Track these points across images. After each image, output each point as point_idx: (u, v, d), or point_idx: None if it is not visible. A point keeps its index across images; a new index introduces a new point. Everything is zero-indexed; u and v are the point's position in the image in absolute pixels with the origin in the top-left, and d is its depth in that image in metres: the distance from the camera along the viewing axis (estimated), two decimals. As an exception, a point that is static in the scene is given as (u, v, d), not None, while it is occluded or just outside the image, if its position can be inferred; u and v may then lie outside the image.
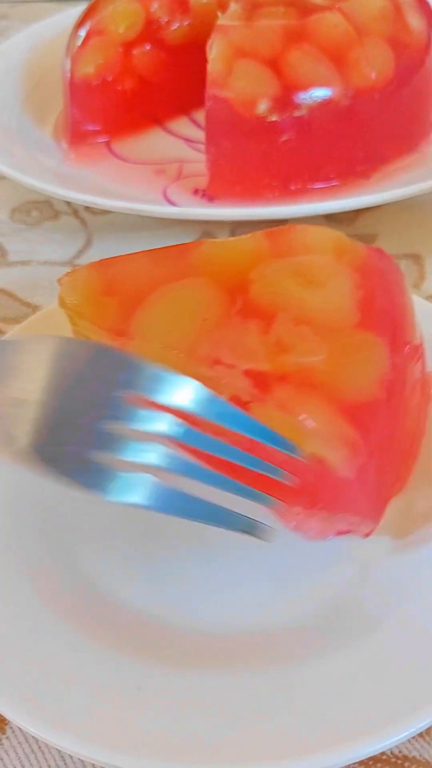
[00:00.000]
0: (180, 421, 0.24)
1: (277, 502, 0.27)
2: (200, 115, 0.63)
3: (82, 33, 0.57)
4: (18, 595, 0.29)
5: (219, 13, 0.52)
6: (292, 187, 0.52)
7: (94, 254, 0.51)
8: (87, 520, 0.33)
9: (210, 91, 0.50)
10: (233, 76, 0.49)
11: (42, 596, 0.29)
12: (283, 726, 0.25)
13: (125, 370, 0.25)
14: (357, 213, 0.53)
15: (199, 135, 0.61)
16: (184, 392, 0.24)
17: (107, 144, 0.60)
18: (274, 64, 0.49)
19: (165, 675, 0.26)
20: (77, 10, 0.73)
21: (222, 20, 0.51)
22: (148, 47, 0.58)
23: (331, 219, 0.52)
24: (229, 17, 0.51)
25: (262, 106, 0.49)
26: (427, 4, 0.56)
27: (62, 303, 0.34)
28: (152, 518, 0.31)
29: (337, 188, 0.52)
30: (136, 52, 0.58)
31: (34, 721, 0.25)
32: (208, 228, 0.52)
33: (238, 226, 0.52)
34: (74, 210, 0.56)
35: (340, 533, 0.30)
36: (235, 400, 0.28)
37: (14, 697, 0.25)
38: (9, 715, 0.25)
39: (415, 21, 0.54)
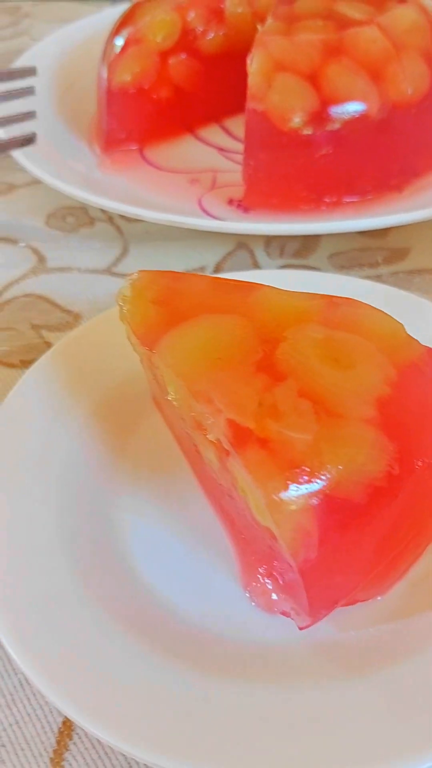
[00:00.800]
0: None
1: None
2: (232, 124, 0.64)
3: (120, 41, 0.57)
4: (88, 611, 0.30)
5: (258, 26, 0.52)
6: (327, 200, 0.52)
7: (131, 262, 0.52)
8: (145, 531, 0.34)
9: (250, 103, 0.50)
10: (273, 89, 0.50)
11: (111, 612, 0.30)
12: (350, 738, 0.26)
13: None
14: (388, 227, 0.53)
15: (232, 144, 0.62)
16: None
17: (140, 151, 0.61)
18: (312, 78, 0.50)
19: (230, 687, 0.27)
20: (106, 13, 0.74)
21: (262, 34, 0.51)
22: (183, 56, 0.59)
23: (364, 233, 0.53)
24: (269, 31, 0.51)
25: (300, 120, 0.50)
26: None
27: (117, 299, 0.34)
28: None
29: (370, 201, 0.53)
30: (172, 61, 0.59)
31: (103, 726, 0.26)
32: (242, 239, 0.53)
33: (272, 239, 0.53)
34: (109, 217, 0.57)
35: (284, 613, 0.30)
36: (217, 445, 0.29)
37: (86, 705, 0.26)
38: (82, 722, 0.26)
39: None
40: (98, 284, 0.50)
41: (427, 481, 0.29)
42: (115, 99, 0.58)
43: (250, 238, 0.53)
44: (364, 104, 0.50)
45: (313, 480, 0.26)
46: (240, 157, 0.59)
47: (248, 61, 0.51)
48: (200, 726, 0.26)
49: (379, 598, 0.32)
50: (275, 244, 0.53)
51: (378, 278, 0.48)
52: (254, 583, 0.32)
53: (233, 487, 0.29)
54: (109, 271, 0.52)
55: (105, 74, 0.58)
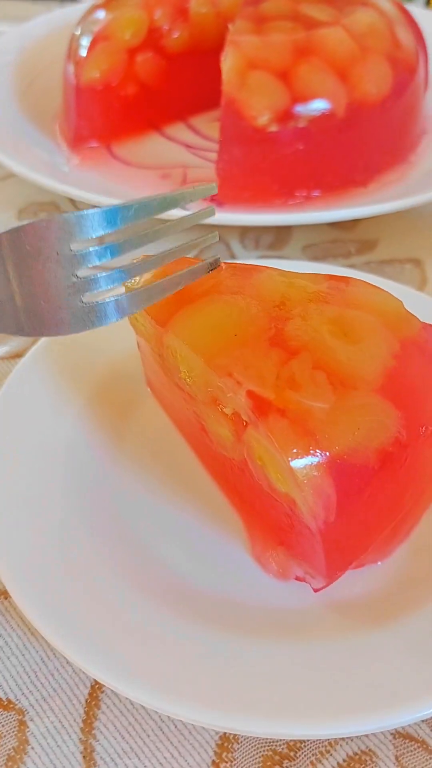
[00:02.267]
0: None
1: None
2: (197, 122, 0.66)
3: (87, 38, 0.58)
4: (108, 580, 0.31)
5: (229, 26, 0.54)
6: (297, 194, 0.54)
7: (109, 255, 0.52)
8: (152, 508, 0.35)
9: (225, 101, 0.52)
10: (246, 86, 0.51)
11: (131, 582, 0.31)
12: (378, 681, 0.27)
13: (63, 230, 0.28)
14: (356, 220, 0.56)
15: (200, 141, 0.63)
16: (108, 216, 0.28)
17: (107, 148, 0.62)
18: (284, 76, 0.52)
19: (256, 645, 0.29)
20: (58, 13, 0.75)
21: (233, 33, 0.53)
22: (150, 54, 0.60)
23: (334, 225, 0.55)
24: (240, 30, 0.53)
25: (273, 117, 0.51)
26: (414, 21, 0.60)
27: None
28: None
29: (338, 196, 0.55)
30: (139, 58, 0.60)
31: (136, 686, 0.27)
32: (218, 232, 0.54)
33: (247, 231, 0.55)
34: (82, 211, 0.57)
35: (298, 578, 0.32)
36: (236, 416, 0.30)
37: (116, 667, 0.27)
38: (114, 683, 0.27)
39: (405, 37, 0.58)
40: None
41: (429, 447, 0.30)
42: (83, 96, 0.59)
43: (226, 231, 0.54)
44: (332, 103, 0.52)
45: (331, 446, 0.28)
46: (209, 154, 0.61)
47: (222, 59, 0.52)
48: (230, 680, 0.27)
49: (379, 563, 0.34)
50: (250, 236, 0.54)
51: (352, 267, 0.50)
52: (266, 553, 0.33)
53: (249, 458, 0.31)
54: (87, 263, 0.52)
55: (72, 71, 0.59)
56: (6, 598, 0.33)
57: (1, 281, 0.28)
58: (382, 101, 0.54)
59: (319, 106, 0.52)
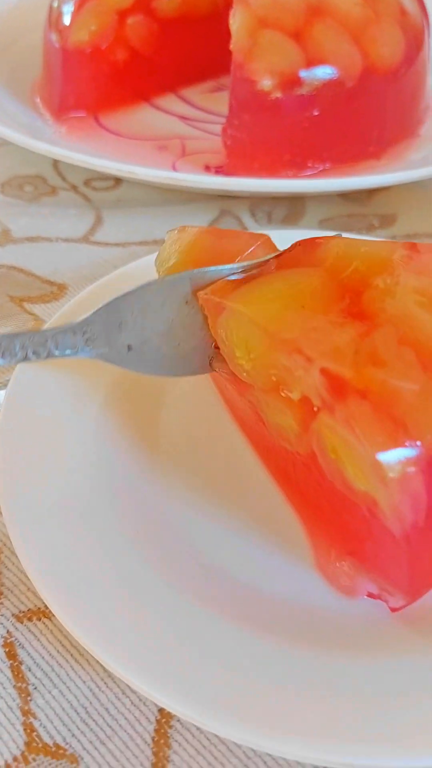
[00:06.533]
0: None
1: None
2: (189, 93, 0.61)
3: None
4: (179, 599, 0.26)
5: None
6: (310, 165, 0.50)
7: (110, 231, 0.48)
8: (202, 510, 0.30)
9: (235, 61, 0.47)
10: (258, 47, 0.47)
11: (187, 594, 0.26)
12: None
13: None
14: (371, 193, 0.52)
15: (194, 113, 0.59)
16: None
17: (95, 118, 0.57)
18: (297, 37, 0.48)
19: (320, 659, 0.24)
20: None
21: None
22: (141, 17, 0.55)
23: (347, 198, 0.52)
24: (248, -12, 0.49)
25: (288, 79, 0.47)
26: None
27: (160, 256, 0.30)
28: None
29: (351, 168, 0.51)
30: (129, 21, 0.55)
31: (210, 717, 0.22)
32: (226, 205, 0.50)
33: (257, 204, 0.50)
34: (73, 186, 0.52)
35: (371, 596, 0.27)
36: (305, 402, 0.26)
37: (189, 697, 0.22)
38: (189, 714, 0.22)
39: (411, 6, 0.55)
40: (77, 253, 0.45)
41: None
42: (70, 59, 0.54)
43: (234, 203, 0.50)
44: (347, 66, 0.48)
45: (423, 436, 0.23)
46: (208, 126, 0.57)
47: (230, 19, 0.48)
48: (335, 706, 0.23)
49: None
50: (262, 210, 0.50)
51: (377, 242, 0.47)
52: (332, 565, 0.28)
53: (319, 451, 0.26)
54: (86, 239, 0.47)
55: (56, 35, 0.54)
56: (39, 620, 0.28)
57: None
58: (395, 68, 0.51)
59: (334, 69, 0.48)
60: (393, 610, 0.26)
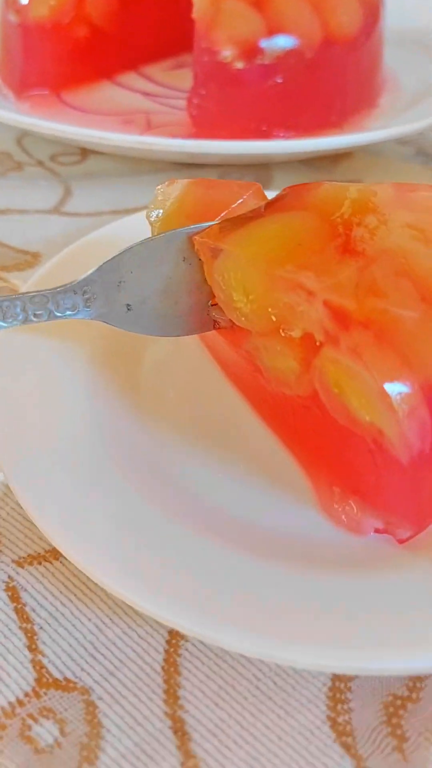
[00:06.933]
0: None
1: None
2: (150, 71, 0.62)
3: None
4: (178, 529, 0.26)
5: None
6: (275, 134, 0.51)
7: (80, 202, 0.47)
8: (201, 457, 0.30)
9: (198, 31, 0.48)
10: (221, 14, 0.48)
11: (196, 529, 0.27)
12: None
13: None
14: (335, 160, 0.53)
15: (156, 89, 0.59)
16: None
17: (57, 95, 0.56)
18: (258, 5, 0.49)
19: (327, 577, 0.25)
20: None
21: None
22: (100, -8, 0.56)
23: (312, 165, 0.53)
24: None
25: (251, 48, 0.48)
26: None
27: (151, 208, 0.31)
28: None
29: (316, 137, 0.52)
30: (89, -5, 0.55)
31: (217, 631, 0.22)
32: (193, 174, 0.50)
33: (226, 171, 0.51)
34: (39, 161, 0.52)
35: (378, 531, 0.27)
36: (308, 338, 0.26)
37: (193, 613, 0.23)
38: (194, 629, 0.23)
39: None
40: (49, 224, 0.45)
41: None
42: (31, 35, 0.54)
43: (202, 172, 0.50)
44: (308, 35, 0.49)
45: (426, 363, 0.24)
46: (171, 101, 0.57)
47: (191, -14, 0.48)
48: (337, 616, 0.23)
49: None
50: (230, 177, 0.50)
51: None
52: (336, 505, 0.28)
53: (321, 388, 0.26)
54: (57, 210, 0.47)
55: (13, 14, 0.53)
56: (40, 564, 0.27)
57: None
58: (354, 38, 0.52)
59: (295, 37, 0.49)
60: (400, 542, 0.27)
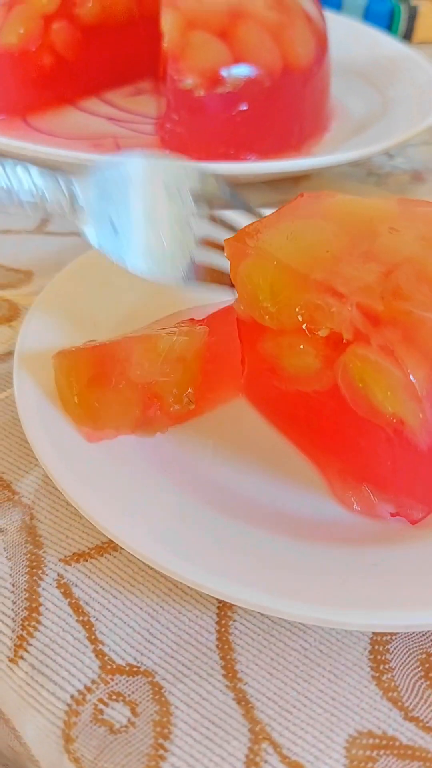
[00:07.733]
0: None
1: None
2: (113, 96, 0.64)
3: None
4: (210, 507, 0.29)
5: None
6: (241, 157, 0.54)
7: (61, 222, 0.49)
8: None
9: (169, 60, 0.51)
10: (190, 46, 0.51)
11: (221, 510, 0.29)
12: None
13: None
14: (296, 182, 0.57)
15: (120, 114, 0.61)
16: None
17: (24, 120, 0.58)
18: (224, 36, 0.52)
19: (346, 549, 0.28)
20: None
21: (168, -4, 0.52)
22: (64, 23, 0.57)
23: (274, 186, 0.56)
24: (173, -7, 0.52)
25: (218, 77, 0.51)
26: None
27: None
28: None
29: (277, 160, 0.56)
30: (54, 26, 0.57)
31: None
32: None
33: (198, 193, 0.54)
34: (14, 183, 0.53)
35: (392, 515, 0.30)
36: (335, 337, 0.29)
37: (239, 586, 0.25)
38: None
39: (312, 10, 0.60)
40: (36, 243, 0.47)
41: None
42: (1, 61, 0.55)
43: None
44: (271, 64, 0.53)
45: None
46: (137, 126, 0.59)
47: (162, 20, 0.51)
48: (371, 580, 0.26)
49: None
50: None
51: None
52: (350, 491, 0.31)
53: (344, 383, 0.29)
54: (40, 231, 0.48)
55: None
56: (86, 560, 0.29)
57: None
58: (309, 67, 0.56)
59: (260, 66, 0.52)
60: (413, 522, 0.30)
